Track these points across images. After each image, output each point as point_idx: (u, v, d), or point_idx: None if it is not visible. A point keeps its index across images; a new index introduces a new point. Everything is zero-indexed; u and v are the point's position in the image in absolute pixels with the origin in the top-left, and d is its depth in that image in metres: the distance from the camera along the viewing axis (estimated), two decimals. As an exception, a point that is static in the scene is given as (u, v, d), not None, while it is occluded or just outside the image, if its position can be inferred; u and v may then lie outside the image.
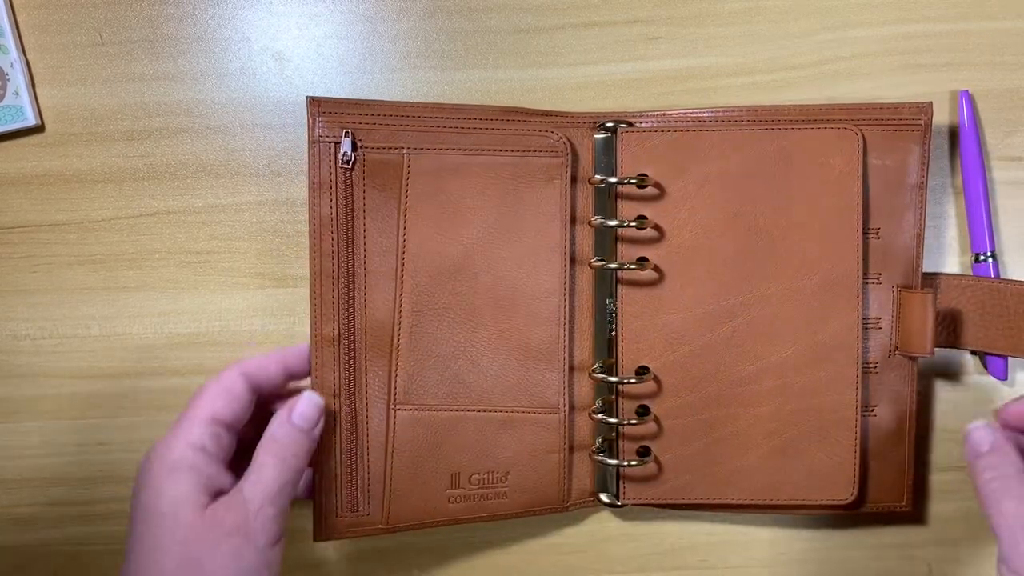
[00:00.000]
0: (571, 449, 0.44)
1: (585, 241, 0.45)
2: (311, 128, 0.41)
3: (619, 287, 0.44)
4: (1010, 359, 0.46)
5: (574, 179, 0.44)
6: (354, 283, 0.42)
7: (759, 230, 0.43)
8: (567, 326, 0.44)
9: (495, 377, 0.43)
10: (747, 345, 0.43)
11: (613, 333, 0.44)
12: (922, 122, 0.43)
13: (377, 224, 0.42)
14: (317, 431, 0.40)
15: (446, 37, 0.47)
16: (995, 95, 0.46)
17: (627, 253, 0.44)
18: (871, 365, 0.44)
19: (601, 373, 0.44)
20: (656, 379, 0.44)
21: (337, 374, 0.42)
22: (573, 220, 0.44)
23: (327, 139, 0.41)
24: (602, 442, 0.45)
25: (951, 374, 0.47)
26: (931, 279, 0.45)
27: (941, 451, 0.47)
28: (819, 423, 0.43)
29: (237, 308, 0.47)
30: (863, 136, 0.42)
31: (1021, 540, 0.33)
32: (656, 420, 0.44)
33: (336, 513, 0.42)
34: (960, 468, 0.47)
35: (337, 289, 0.42)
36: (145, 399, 0.47)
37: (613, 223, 0.43)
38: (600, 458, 0.44)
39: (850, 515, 0.46)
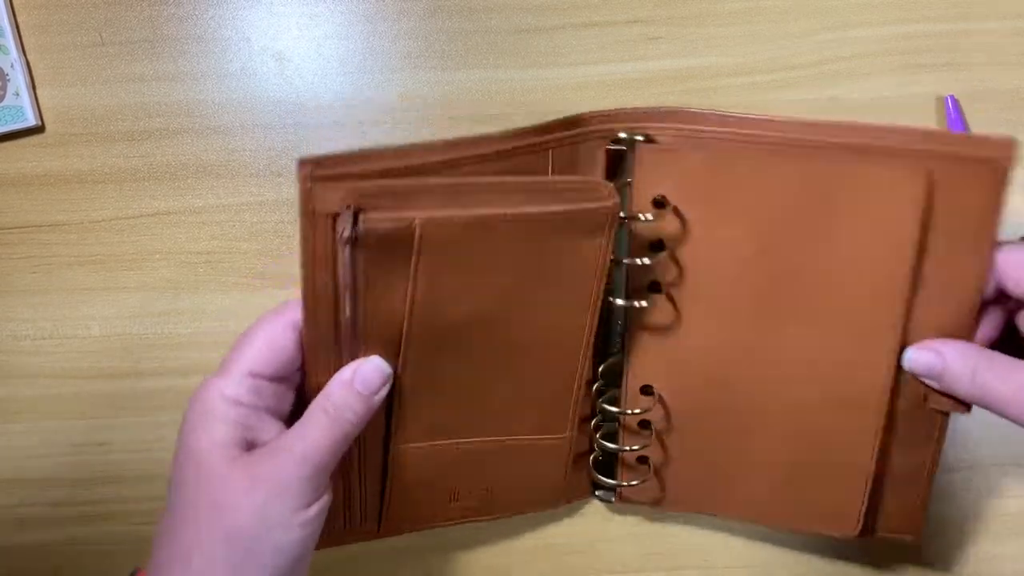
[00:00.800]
0: (573, 460, 0.44)
1: None
2: (304, 197, 0.32)
3: (632, 309, 0.40)
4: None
5: None
6: (354, 348, 0.36)
7: (791, 269, 0.37)
8: (585, 367, 0.40)
9: (505, 412, 0.40)
10: (764, 382, 0.40)
11: (619, 354, 0.42)
12: (1005, 162, 0.34)
13: (380, 293, 0.35)
14: (377, 399, 0.36)
15: (446, 37, 0.47)
16: (995, 95, 0.46)
17: (641, 276, 0.40)
18: (898, 413, 0.39)
19: (608, 404, 0.42)
20: (662, 400, 0.42)
21: None
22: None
23: (325, 210, 0.32)
24: (602, 455, 0.44)
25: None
26: None
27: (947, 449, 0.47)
28: (831, 461, 0.40)
29: (237, 308, 0.47)
30: (931, 177, 0.34)
31: None
32: (659, 439, 0.42)
33: (331, 526, 0.38)
34: (972, 467, 0.47)
35: (336, 354, 0.36)
36: (145, 399, 0.47)
37: (626, 261, 0.39)
38: (600, 479, 0.44)
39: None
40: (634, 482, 0.43)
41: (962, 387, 0.36)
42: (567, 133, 0.39)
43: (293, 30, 0.47)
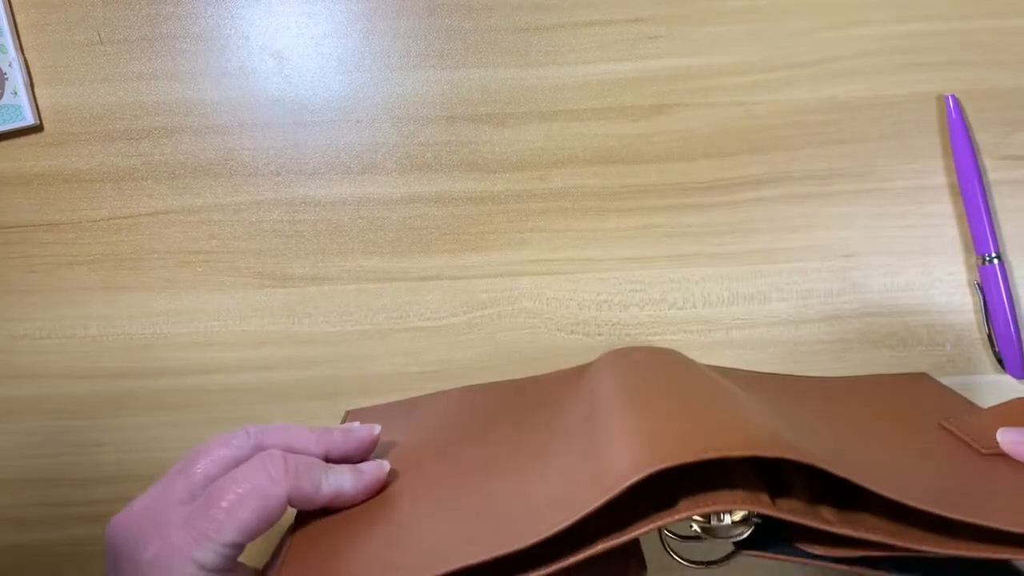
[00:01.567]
0: None
1: None
2: None
3: None
4: None
5: None
6: None
7: None
8: None
9: None
10: None
11: None
12: None
13: None
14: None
15: (445, 36, 0.46)
16: (995, 95, 0.46)
17: None
18: None
19: None
20: None
21: None
22: None
23: None
24: None
25: (969, 372, 0.47)
26: None
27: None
28: None
29: (236, 308, 0.47)
30: None
31: None
32: None
33: None
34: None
35: None
36: (145, 399, 0.47)
37: None
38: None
39: None
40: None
41: None
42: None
43: (292, 29, 0.47)
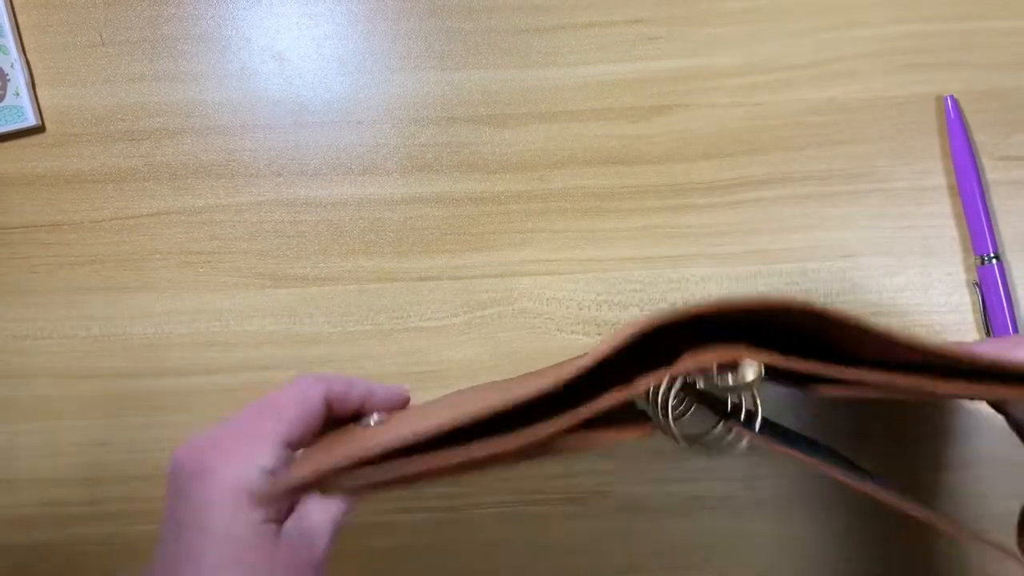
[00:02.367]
0: None
1: None
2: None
3: None
4: None
5: None
6: None
7: None
8: None
9: None
10: None
11: None
12: None
13: None
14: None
15: (446, 37, 0.47)
16: (995, 95, 0.46)
17: None
18: None
19: None
20: None
21: None
22: None
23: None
24: None
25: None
26: None
27: (948, 449, 0.47)
28: None
29: (237, 308, 0.47)
30: None
31: None
32: None
33: None
34: (972, 466, 0.47)
35: None
36: (145, 399, 0.47)
37: None
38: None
39: (859, 512, 0.44)
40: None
41: None
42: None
43: (293, 30, 0.47)
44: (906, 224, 0.47)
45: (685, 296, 0.48)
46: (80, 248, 0.47)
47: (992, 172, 0.46)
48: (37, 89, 0.46)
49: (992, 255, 0.46)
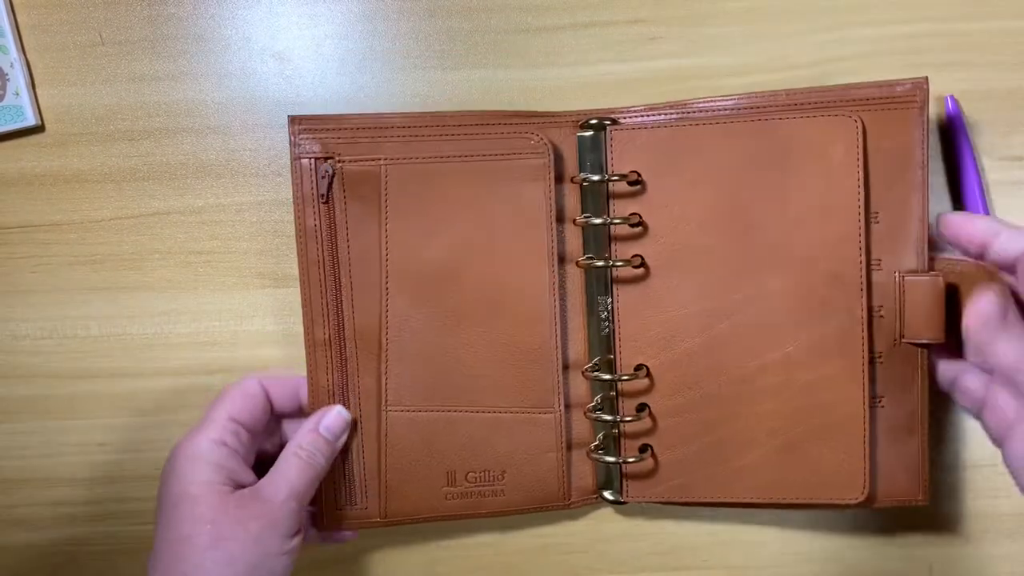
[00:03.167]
0: (569, 447, 0.44)
1: (574, 240, 0.44)
2: (292, 146, 0.43)
3: (615, 285, 0.44)
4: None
5: (559, 179, 0.44)
6: (340, 290, 0.43)
7: (755, 224, 0.42)
8: (558, 325, 0.43)
9: (486, 377, 0.43)
10: (747, 341, 0.42)
11: (608, 331, 0.44)
12: (918, 99, 0.41)
13: (359, 233, 0.43)
14: (340, 443, 0.43)
15: (446, 37, 0.47)
16: (995, 95, 0.46)
17: (620, 251, 0.44)
18: (876, 355, 0.42)
19: (595, 371, 0.44)
20: (651, 376, 0.44)
21: (331, 376, 0.43)
22: (560, 219, 0.44)
23: (307, 155, 0.43)
24: (603, 439, 0.45)
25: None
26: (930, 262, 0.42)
27: (948, 449, 0.47)
28: (825, 420, 0.42)
29: (237, 308, 0.47)
30: (862, 122, 0.41)
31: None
32: (653, 417, 0.44)
33: (337, 505, 0.44)
34: (972, 467, 0.47)
35: (325, 296, 0.43)
36: (145, 399, 0.47)
37: (598, 221, 0.43)
38: (598, 456, 0.44)
39: (860, 512, 0.46)
40: (631, 459, 0.44)
41: (1010, 253, 0.40)
42: (539, 121, 0.44)
43: (293, 30, 0.47)
44: (906, 224, 0.47)
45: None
46: (80, 248, 0.47)
47: (992, 172, 0.46)
48: (37, 89, 0.46)
49: (992, 255, 0.46)
